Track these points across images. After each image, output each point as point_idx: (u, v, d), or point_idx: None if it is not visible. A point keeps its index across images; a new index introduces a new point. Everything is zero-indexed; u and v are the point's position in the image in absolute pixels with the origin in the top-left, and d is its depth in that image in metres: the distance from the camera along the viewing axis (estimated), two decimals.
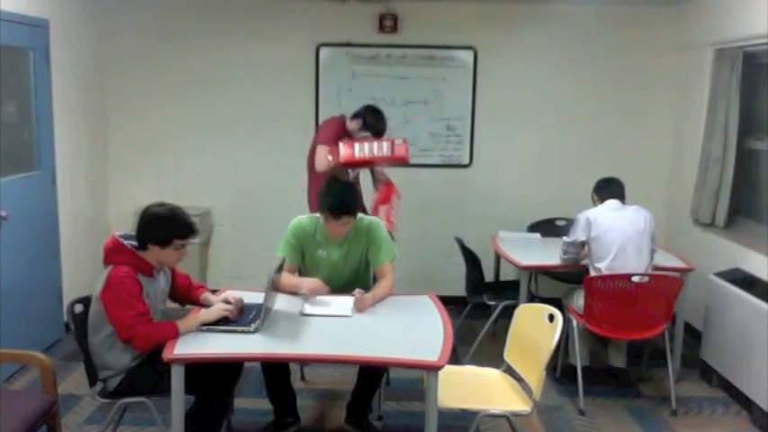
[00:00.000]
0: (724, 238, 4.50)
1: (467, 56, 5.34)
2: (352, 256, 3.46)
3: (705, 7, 4.87)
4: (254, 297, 3.05)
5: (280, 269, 3.06)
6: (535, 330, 3.00)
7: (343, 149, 4.06)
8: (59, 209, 4.58)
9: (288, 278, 3.38)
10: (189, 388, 2.66)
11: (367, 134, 4.27)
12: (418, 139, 5.39)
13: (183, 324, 2.81)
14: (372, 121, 4.29)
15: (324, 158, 4.13)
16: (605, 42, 5.32)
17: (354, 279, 3.48)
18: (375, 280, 3.52)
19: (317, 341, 2.84)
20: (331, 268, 3.46)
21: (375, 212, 4.27)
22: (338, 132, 4.32)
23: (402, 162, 4.18)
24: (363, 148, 4.08)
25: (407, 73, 5.34)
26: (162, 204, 2.93)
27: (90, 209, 5.14)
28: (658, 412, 3.83)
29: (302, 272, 3.55)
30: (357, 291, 3.17)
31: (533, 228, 5.05)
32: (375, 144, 4.12)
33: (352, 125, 4.33)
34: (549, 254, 4.21)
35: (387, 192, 4.40)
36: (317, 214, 3.49)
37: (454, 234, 4.62)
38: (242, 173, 5.47)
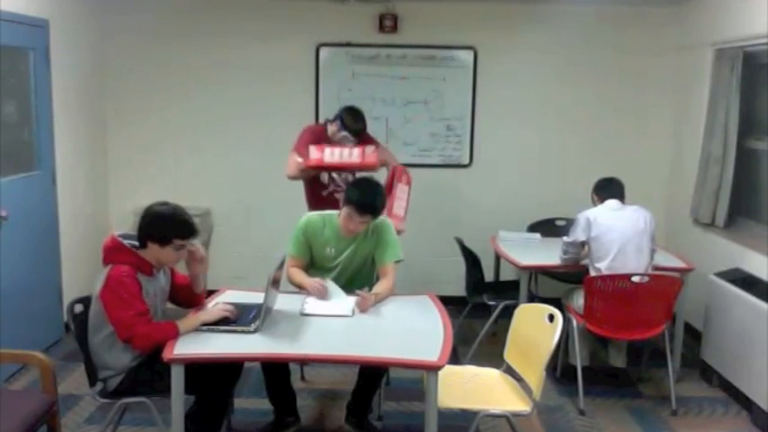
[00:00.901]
0: (724, 238, 4.50)
1: (467, 56, 5.34)
2: (360, 254, 3.47)
3: (705, 7, 4.87)
4: (254, 297, 3.06)
5: (281, 266, 3.07)
6: (535, 330, 3.00)
7: (313, 152, 4.03)
8: (59, 209, 4.58)
9: (297, 274, 3.41)
10: (189, 388, 2.66)
11: (345, 134, 4.20)
12: (418, 139, 5.40)
13: (183, 324, 2.81)
14: (350, 121, 4.20)
15: (294, 162, 4.12)
16: (605, 42, 5.32)
17: (359, 277, 3.50)
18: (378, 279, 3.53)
19: (317, 341, 2.84)
20: (337, 266, 3.47)
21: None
22: (317, 139, 4.23)
23: (372, 168, 4.09)
24: (333, 154, 4.03)
25: (407, 73, 5.34)
26: (165, 203, 2.93)
27: (90, 209, 5.14)
28: (658, 412, 3.83)
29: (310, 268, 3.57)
30: (361, 291, 3.17)
31: (533, 228, 5.05)
32: (346, 150, 4.07)
33: (332, 128, 4.25)
34: (549, 254, 4.21)
35: (389, 181, 4.24)
36: (327, 212, 3.50)
37: (454, 234, 4.62)
38: (242, 173, 5.47)
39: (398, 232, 4.04)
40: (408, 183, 4.26)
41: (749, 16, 4.22)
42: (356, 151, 4.05)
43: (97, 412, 3.61)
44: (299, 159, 4.11)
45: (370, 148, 4.10)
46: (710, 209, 4.57)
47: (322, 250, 3.47)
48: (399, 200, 4.18)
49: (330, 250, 3.46)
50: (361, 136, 4.29)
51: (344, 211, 3.32)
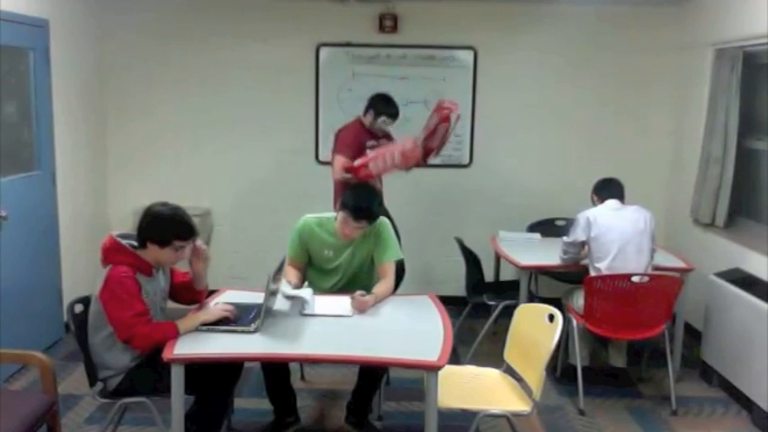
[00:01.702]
0: (724, 238, 4.50)
1: (467, 56, 5.34)
2: (359, 255, 3.47)
3: (705, 7, 4.87)
4: (253, 297, 3.06)
5: (279, 269, 3.07)
6: (535, 330, 3.00)
7: (362, 171, 4.17)
8: (59, 209, 4.58)
9: (288, 273, 3.41)
10: (189, 388, 2.66)
11: (384, 119, 4.39)
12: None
13: (182, 324, 2.81)
14: (383, 108, 4.39)
15: (339, 171, 4.24)
16: (605, 42, 5.32)
17: (359, 278, 3.50)
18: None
19: (317, 341, 2.84)
20: (336, 268, 3.47)
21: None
22: (357, 136, 4.39)
23: (416, 162, 4.29)
24: (378, 165, 4.18)
25: (407, 73, 5.34)
26: (165, 204, 2.93)
27: (90, 209, 5.14)
28: (658, 412, 3.83)
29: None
30: (358, 292, 3.17)
31: (533, 228, 5.05)
32: (388, 156, 4.19)
33: (367, 119, 4.42)
34: (549, 254, 4.21)
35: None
36: (325, 214, 3.50)
37: (454, 234, 4.62)
38: (242, 173, 5.47)
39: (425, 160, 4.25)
40: (446, 120, 4.26)
41: (749, 16, 4.22)
42: (397, 154, 4.16)
43: (97, 412, 3.61)
44: (347, 175, 4.21)
45: (409, 144, 4.19)
46: (710, 209, 4.57)
47: (320, 252, 3.47)
48: (440, 132, 4.28)
49: (328, 252, 3.46)
50: (396, 118, 4.45)
51: (340, 215, 3.32)
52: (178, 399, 2.63)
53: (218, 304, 3.03)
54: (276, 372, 3.30)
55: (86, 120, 5.06)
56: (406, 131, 5.02)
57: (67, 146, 4.69)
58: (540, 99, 5.43)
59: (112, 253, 2.84)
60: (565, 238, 3.98)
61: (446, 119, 4.25)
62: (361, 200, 3.29)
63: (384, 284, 3.36)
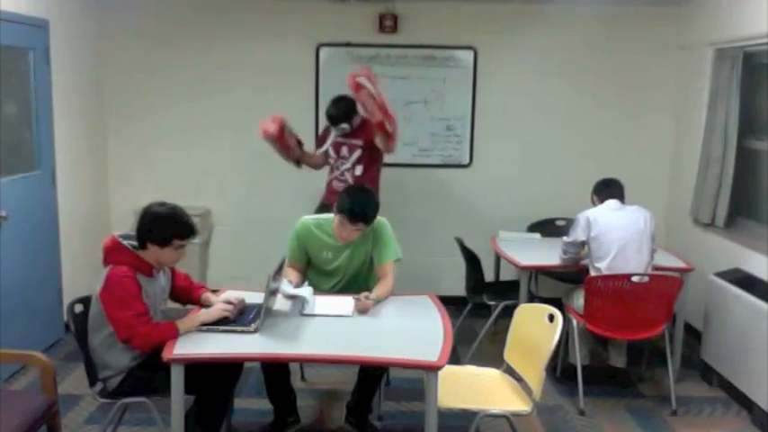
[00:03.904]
0: (724, 238, 4.50)
1: (467, 56, 5.34)
2: (357, 257, 3.46)
3: (705, 7, 4.87)
4: (254, 297, 3.06)
5: (279, 269, 3.07)
6: (535, 330, 3.00)
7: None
8: (59, 209, 4.58)
9: (288, 274, 3.40)
10: (189, 388, 2.66)
11: (327, 125, 4.48)
12: (418, 139, 5.39)
13: (182, 324, 2.81)
14: (329, 109, 4.44)
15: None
16: (605, 42, 5.32)
17: (359, 279, 3.49)
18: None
19: (317, 341, 2.84)
20: (336, 269, 3.47)
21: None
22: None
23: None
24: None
25: (407, 73, 5.34)
26: (163, 204, 2.93)
27: (90, 209, 5.14)
28: (658, 412, 3.83)
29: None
30: (363, 294, 3.17)
31: (533, 228, 5.05)
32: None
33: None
34: (549, 254, 4.21)
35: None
36: (323, 216, 3.49)
37: (454, 234, 4.62)
38: (242, 172, 5.47)
39: (386, 133, 4.15)
40: (356, 89, 4.06)
41: (749, 16, 4.22)
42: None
43: (97, 412, 3.61)
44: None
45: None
46: (710, 209, 4.57)
47: (319, 254, 3.47)
48: (368, 104, 4.08)
49: (327, 254, 3.45)
50: (343, 121, 4.37)
51: (337, 218, 3.31)
52: (178, 399, 2.63)
53: (228, 296, 3.06)
54: (276, 372, 3.31)
55: (86, 120, 5.06)
56: (406, 132, 5.04)
57: (67, 146, 4.69)
58: (540, 99, 5.42)
59: (113, 253, 2.84)
60: (565, 238, 3.98)
61: (356, 87, 4.05)
62: (355, 203, 3.26)
63: (384, 285, 3.36)
